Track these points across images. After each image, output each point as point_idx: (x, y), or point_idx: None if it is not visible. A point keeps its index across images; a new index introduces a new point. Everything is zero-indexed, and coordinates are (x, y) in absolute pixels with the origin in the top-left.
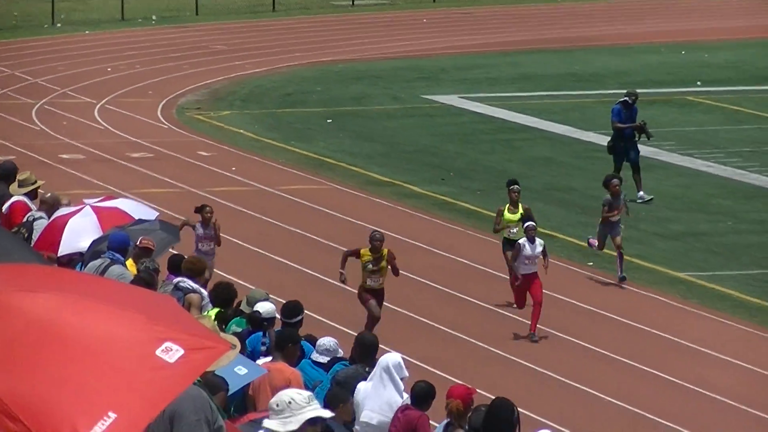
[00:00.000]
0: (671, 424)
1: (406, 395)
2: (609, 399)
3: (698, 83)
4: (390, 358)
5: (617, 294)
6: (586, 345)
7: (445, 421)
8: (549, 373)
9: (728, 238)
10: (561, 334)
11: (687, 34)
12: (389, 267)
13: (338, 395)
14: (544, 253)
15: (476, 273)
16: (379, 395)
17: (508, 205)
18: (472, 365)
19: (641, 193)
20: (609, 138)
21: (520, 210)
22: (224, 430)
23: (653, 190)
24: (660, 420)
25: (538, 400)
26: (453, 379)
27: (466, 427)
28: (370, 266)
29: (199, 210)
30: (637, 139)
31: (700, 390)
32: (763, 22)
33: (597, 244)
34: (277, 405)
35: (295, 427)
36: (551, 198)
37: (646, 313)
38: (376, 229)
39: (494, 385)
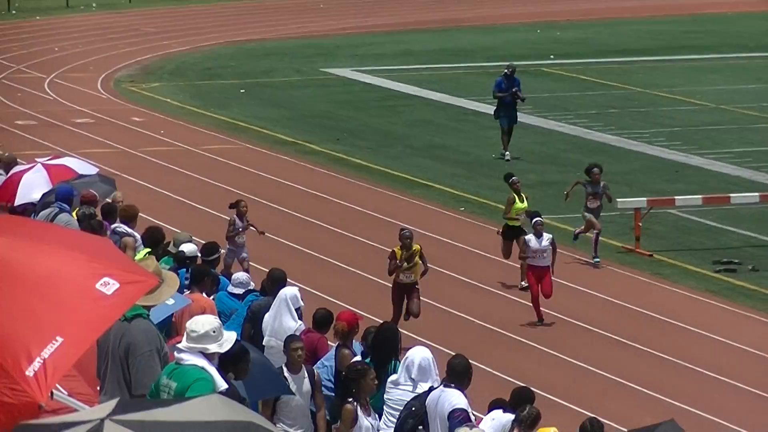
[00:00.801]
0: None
1: (300, 322)
2: None
3: (551, 56)
4: (287, 290)
5: (474, 231)
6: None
7: (337, 344)
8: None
9: (576, 187)
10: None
11: (542, 15)
12: (420, 261)
13: None
14: (553, 246)
15: (366, 217)
16: (278, 323)
17: (514, 195)
18: (360, 295)
19: (507, 153)
20: (494, 107)
21: (525, 201)
22: (168, 356)
23: (513, 146)
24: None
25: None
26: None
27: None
28: (405, 263)
29: (235, 205)
30: (516, 105)
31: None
32: (606, 4)
33: (584, 229)
34: (199, 327)
35: (224, 349)
36: (429, 154)
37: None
38: (405, 226)
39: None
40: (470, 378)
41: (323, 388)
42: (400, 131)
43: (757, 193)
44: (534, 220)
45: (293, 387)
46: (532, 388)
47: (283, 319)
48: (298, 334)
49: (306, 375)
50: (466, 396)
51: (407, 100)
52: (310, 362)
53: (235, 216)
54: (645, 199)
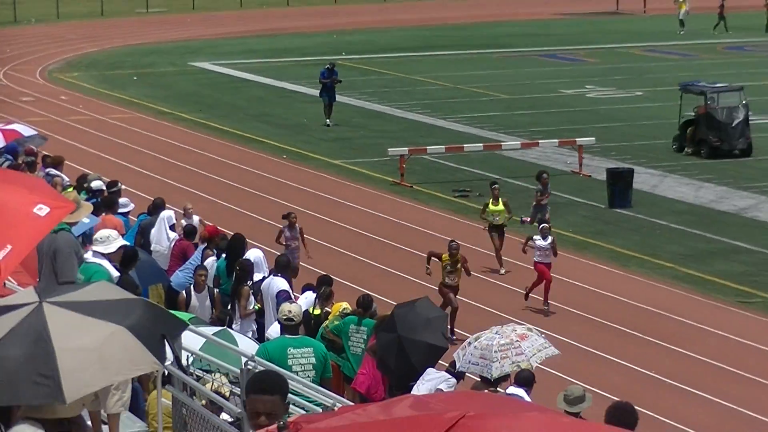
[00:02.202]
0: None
1: (174, 233)
2: None
3: (342, 53)
4: (165, 213)
5: (293, 171)
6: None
7: (203, 246)
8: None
9: (362, 141)
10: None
11: (337, 25)
12: (463, 269)
13: None
14: (553, 245)
15: (217, 162)
16: (160, 234)
17: (491, 200)
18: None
19: (329, 120)
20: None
21: (501, 203)
22: (84, 259)
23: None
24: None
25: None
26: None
27: (215, 249)
28: (449, 267)
29: (286, 216)
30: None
31: None
32: (381, 17)
33: (529, 220)
34: (100, 237)
35: (113, 249)
36: (262, 120)
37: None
38: (453, 239)
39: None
40: (293, 269)
41: (187, 277)
42: (242, 104)
43: (481, 144)
44: (541, 225)
45: (197, 302)
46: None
47: (162, 232)
48: (173, 242)
49: (207, 294)
50: (289, 283)
51: (247, 83)
52: (181, 261)
53: (285, 227)
54: (407, 148)
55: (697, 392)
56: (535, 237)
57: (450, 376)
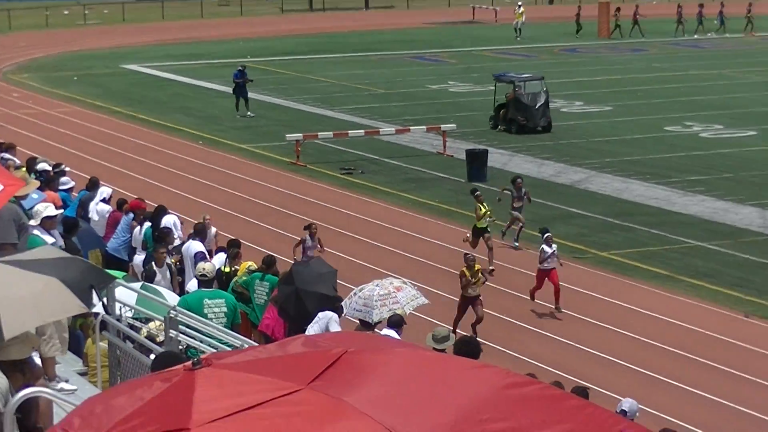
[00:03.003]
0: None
1: (108, 206)
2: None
3: (248, 56)
4: (103, 189)
5: (207, 155)
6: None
7: (129, 216)
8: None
9: (264, 129)
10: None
11: (243, 33)
12: (483, 277)
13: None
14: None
15: (144, 147)
16: (97, 206)
17: (478, 206)
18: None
19: (249, 113)
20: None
21: (484, 207)
22: (27, 227)
23: (232, 109)
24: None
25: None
26: None
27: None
28: (471, 280)
29: (308, 227)
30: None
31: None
32: (280, 27)
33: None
34: (41, 208)
35: (52, 213)
36: (182, 112)
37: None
38: (467, 252)
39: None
40: (204, 232)
41: (118, 242)
42: (165, 99)
43: (362, 130)
44: (545, 235)
45: (160, 276)
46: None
47: (99, 205)
48: (108, 214)
49: (168, 268)
50: (204, 246)
51: (169, 82)
52: (113, 229)
53: (307, 236)
54: (301, 134)
55: (529, 327)
56: (541, 246)
57: (334, 314)
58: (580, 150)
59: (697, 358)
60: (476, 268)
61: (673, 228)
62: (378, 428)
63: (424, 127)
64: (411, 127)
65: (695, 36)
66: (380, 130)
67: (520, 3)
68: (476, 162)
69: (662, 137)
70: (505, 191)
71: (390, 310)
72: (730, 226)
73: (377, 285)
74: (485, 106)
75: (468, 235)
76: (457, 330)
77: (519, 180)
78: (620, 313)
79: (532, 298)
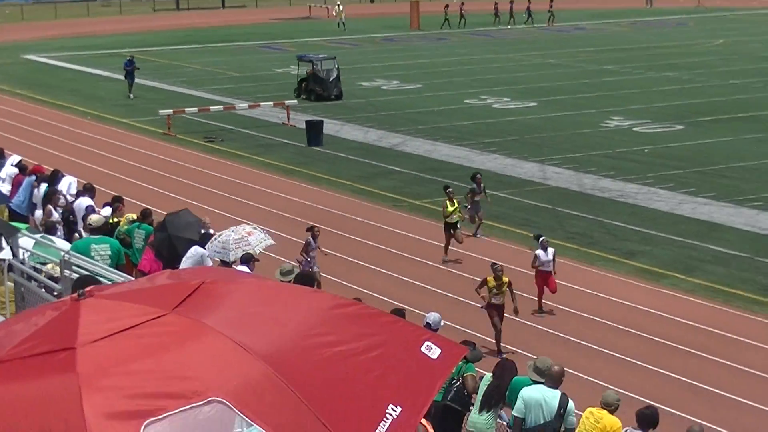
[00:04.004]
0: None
1: (14, 168)
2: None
3: (127, 48)
4: (10, 158)
5: (102, 131)
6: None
7: (31, 178)
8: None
9: (142, 107)
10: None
11: (123, 29)
12: (509, 290)
13: None
14: (553, 257)
15: (45, 124)
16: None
17: (447, 201)
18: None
19: (131, 95)
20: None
21: (455, 203)
22: None
23: (116, 90)
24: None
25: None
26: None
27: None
28: (495, 290)
29: (310, 229)
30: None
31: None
32: (160, 22)
33: (468, 217)
34: None
35: None
36: (81, 95)
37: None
38: (496, 262)
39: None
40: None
41: (19, 200)
42: (59, 83)
43: (221, 106)
44: (541, 239)
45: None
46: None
47: (9, 169)
48: (13, 176)
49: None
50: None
51: (62, 69)
52: (17, 189)
53: (310, 237)
54: (171, 110)
55: (384, 272)
56: (537, 251)
57: (205, 251)
58: (397, 119)
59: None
60: (503, 279)
61: (471, 181)
62: (231, 344)
63: (271, 102)
64: (261, 103)
65: (509, 27)
66: (236, 105)
67: (339, 2)
68: (313, 130)
69: (462, 108)
70: (470, 192)
71: (243, 250)
72: (517, 178)
73: (233, 231)
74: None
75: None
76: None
77: (478, 176)
78: (428, 249)
79: (540, 306)
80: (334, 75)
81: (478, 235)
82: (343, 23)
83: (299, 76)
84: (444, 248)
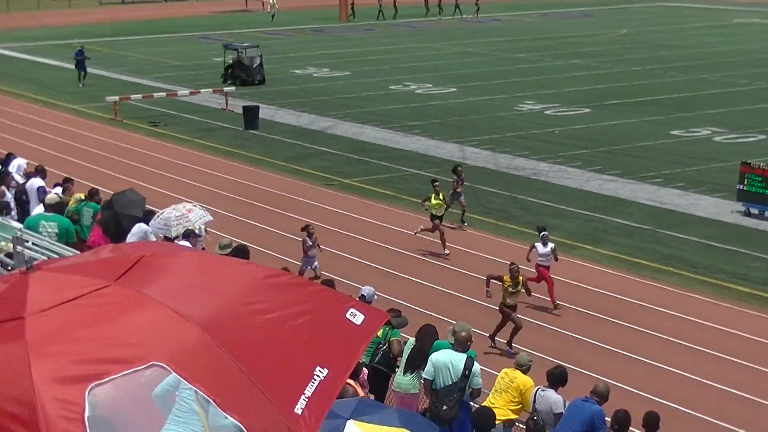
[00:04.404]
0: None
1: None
2: None
3: (75, 39)
4: (18, 160)
5: (52, 117)
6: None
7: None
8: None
9: (91, 94)
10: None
11: (70, 22)
12: (524, 289)
13: None
14: (554, 251)
15: (5, 113)
16: None
17: (432, 195)
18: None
19: (81, 84)
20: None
21: (441, 197)
22: None
23: (65, 78)
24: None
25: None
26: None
27: None
28: (510, 289)
29: (305, 228)
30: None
31: None
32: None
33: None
34: None
35: None
36: (31, 83)
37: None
38: (513, 262)
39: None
40: (44, 171)
41: None
42: (13, 72)
43: (164, 93)
44: (542, 233)
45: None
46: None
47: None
48: None
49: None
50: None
51: (15, 59)
52: None
53: (306, 236)
54: (117, 96)
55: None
56: (536, 244)
57: (148, 227)
58: (327, 104)
59: (402, 251)
60: (519, 279)
61: (397, 160)
62: (169, 312)
63: (210, 89)
64: (201, 90)
65: (439, 18)
66: (178, 92)
67: None
68: (250, 115)
69: (388, 94)
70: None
71: (184, 227)
72: (438, 158)
73: (174, 209)
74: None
75: (421, 227)
76: (496, 338)
77: (459, 168)
78: (359, 225)
79: (553, 302)
80: (258, 62)
81: (464, 221)
82: (273, 15)
83: (225, 63)
84: (442, 243)
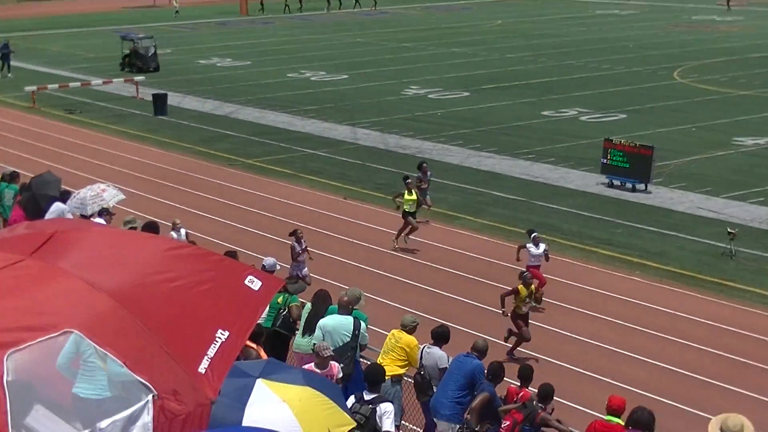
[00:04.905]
0: None
1: None
2: None
3: (54, 30)
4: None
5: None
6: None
7: None
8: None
9: (11, 84)
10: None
11: (12, 17)
12: (536, 299)
13: None
14: (546, 252)
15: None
16: None
17: (405, 192)
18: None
19: (9, 74)
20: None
21: (414, 194)
22: None
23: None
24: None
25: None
26: None
27: None
28: (527, 299)
29: (293, 233)
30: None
31: None
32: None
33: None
34: None
35: None
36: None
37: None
38: (525, 271)
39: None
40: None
41: None
42: None
43: (79, 83)
44: (533, 235)
45: None
46: None
47: None
48: None
49: None
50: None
51: None
52: None
53: (294, 242)
54: (35, 86)
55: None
56: (528, 245)
57: (65, 206)
58: (230, 91)
59: (303, 225)
60: (532, 288)
61: (295, 142)
62: (81, 283)
63: (122, 79)
64: (113, 80)
65: (338, 11)
66: (92, 82)
67: None
68: (159, 102)
69: (285, 81)
70: (416, 180)
71: (99, 205)
72: (332, 139)
73: (89, 189)
74: (165, 62)
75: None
76: (516, 350)
77: (425, 165)
78: (262, 201)
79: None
80: (152, 51)
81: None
82: (177, 11)
83: (123, 53)
84: (397, 234)
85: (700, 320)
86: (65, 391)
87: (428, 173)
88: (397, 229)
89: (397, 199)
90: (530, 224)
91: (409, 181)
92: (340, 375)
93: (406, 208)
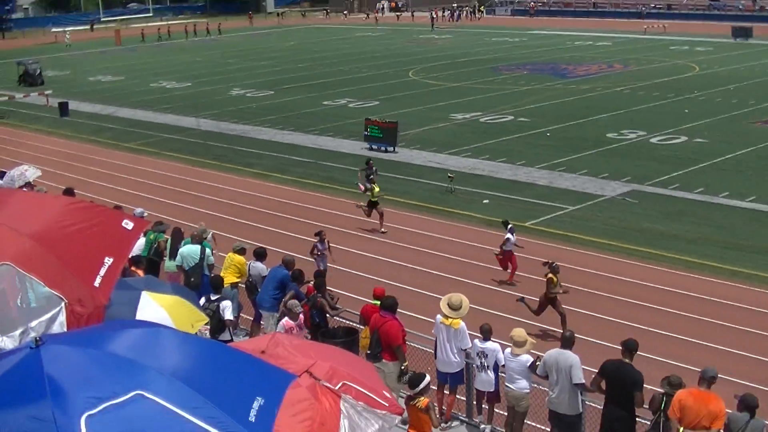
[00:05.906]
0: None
1: None
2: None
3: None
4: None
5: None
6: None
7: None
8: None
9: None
10: None
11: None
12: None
13: None
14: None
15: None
16: None
17: (373, 186)
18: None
19: None
20: None
21: (376, 186)
22: None
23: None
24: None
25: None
26: None
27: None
28: (560, 283)
29: (318, 234)
30: None
31: None
32: None
33: (362, 188)
34: None
35: None
36: None
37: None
38: (555, 262)
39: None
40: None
41: None
42: None
43: (6, 97)
44: (509, 226)
45: None
46: None
47: None
48: None
49: None
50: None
51: None
52: None
53: (318, 242)
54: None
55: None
56: (507, 236)
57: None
58: (112, 98)
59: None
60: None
61: (156, 129)
62: (8, 229)
63: (36, 92)
64: (30, 93)
65: (194, 39)
66: (15, 96)
67: (67, 32)
68: (63, 107)
69: (151, 89)
70: (361, 171)
71: (24, 180)
72: (181, 126)
73: (16, 169)
74: (64, 80)
75: (362, 204)
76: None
77: (371, 161)
78: (136, 171)
79: (510, 278)
80: (38, 71)
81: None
82: (69, 44)
83: (19, 72)
84: (380, 222)
85: (425, 233)
86: (9, 304)
87: (374, 168)
88: (375, 218)
89: (368, 192)
90: (320, 178)
91: (372, 177)
92: (302, 318)
93: (372, 198)
